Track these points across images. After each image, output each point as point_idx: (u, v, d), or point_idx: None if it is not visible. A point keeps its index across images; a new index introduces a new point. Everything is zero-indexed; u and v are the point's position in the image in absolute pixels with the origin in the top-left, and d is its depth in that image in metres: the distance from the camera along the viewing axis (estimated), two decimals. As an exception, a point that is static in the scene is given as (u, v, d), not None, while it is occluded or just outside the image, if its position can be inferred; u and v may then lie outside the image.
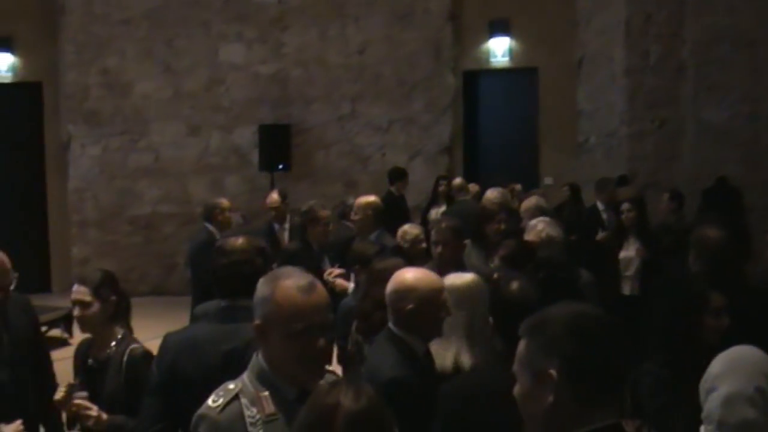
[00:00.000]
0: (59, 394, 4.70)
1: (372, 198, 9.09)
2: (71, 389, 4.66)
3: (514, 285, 4.21)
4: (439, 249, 7.09)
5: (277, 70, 16.22)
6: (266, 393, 3.08)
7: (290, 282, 3.12)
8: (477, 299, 4.85)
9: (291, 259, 7.88)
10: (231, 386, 3.11)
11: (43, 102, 16.33)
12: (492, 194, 9.71)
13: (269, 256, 4.51)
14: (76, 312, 4.90)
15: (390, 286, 4.56)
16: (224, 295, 4.24)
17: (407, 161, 15.79)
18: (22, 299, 5.59)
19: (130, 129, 16.11)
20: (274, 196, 10.79)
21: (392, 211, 10.68)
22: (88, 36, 15.94)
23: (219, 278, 4.29)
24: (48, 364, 5.63)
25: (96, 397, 4.70)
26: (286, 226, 10.55)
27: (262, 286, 3.19)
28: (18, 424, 4.48)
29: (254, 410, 3.06)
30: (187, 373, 3.96)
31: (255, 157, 15.84)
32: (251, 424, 3.05)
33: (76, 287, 4.91)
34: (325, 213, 8.88)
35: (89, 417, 4.55)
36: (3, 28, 15.89)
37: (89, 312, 4.84)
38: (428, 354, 4.62)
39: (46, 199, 16.45)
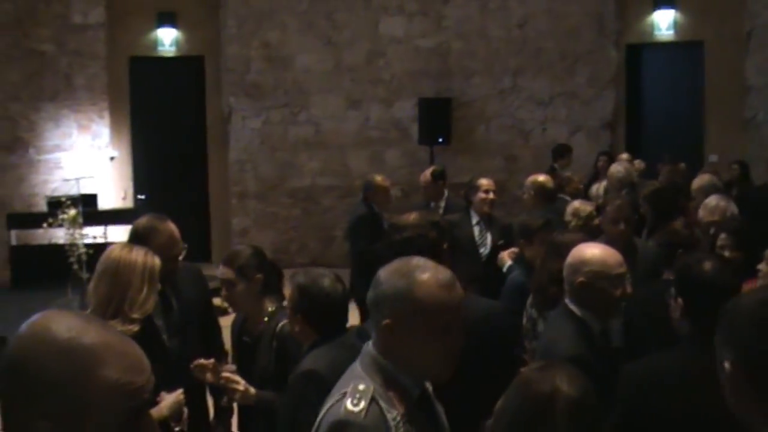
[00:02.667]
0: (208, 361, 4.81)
1: (541, 177, 9.21)
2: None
3: (707, 265, 3.97)
4: (621, 226, 6.84)
5: (438, 44, 16.17)
6: (393, 392, 2.90)
7: (429, 277, 2.91)
8: None
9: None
10: (362, 387, 2.85)
11: (205, 75, 16.43)
12: (615, 168, 9.64)
13: (445, 229, 4.52)
14: (223, 292, 4.98)
15: (568, 259, 4.52)
16: None
17: (568, 136, 15.71)
18: (193, 269, 5.69)
19: (291, 102, 16.13)
20: (427, 174, 10.72)
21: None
22: (249, 10, 15.97)
23: (396, 254, 4.15)
24: (217, 333, 5.69)
25: (249, 372, 4.77)
26: (442, 204, 10.28)
27: (392, 280, 2.94)
28: (179, 393, 4.48)
29: (394, 412, 2.86)
30: None
31: (415, 130, 15.81)
32: (393, 426, 2.85)
33: (221, 268, 4.99)
34: (484, 181, 8.86)
35: (236, 391, 4.60)
36: (167, 4, 16.01)
37: (235, 291, 4.92)
38: (605, 332, 4.52)
39: (207, 170, 16.56)
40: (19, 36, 15.12)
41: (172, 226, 5.14)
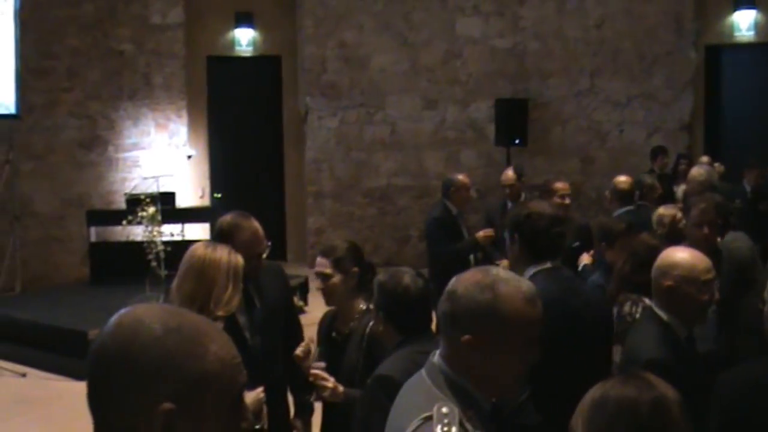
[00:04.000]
0: (299, 350, 4.81)
1: (622, 177, 9.16)
2: (308, 349, 4.80)
3: None
4: (705, 230, 6.66)
5: (515, 44, 16.17)
6: (472, 412, 2.72)
7: (512, 290, 2.75)
8: None
9: None
10: (445, 410, 2.64)
11: (281, 75, 16.53)
12: (697, 171, 9.56)
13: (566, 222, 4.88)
14: (318, 284, 4.95)
15: (656, 262, 4.46)
16: (551, 257, 4.55)
17: (646, 138, 15.67)
18: (275, 267, 5.64)
19: (367, 102, 16.17)
20: (509, 173, 10.64)
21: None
22: (326, 10, 16.03)
23: (547, 241, 4.53)
24: (298, 332, 5.64)
25: (336, 370, 4.72)
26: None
27: (473, 293, 2.76)
28: (259, 391, 4.47)
29: None
30: None
31: (491, 131, 15.80)
32: None
33: (318, 259, 4.96)
34: (559, 185, 8.80)
35: (325, 388, 4.56)
36: (244, 4, 16.12)
37: (330, 284, 4.87)
38: (691, 338, 4.44)
39: (283, 170, 16.64)
40: (99, 36, 15.25)
41: (256, 224, 5.13)
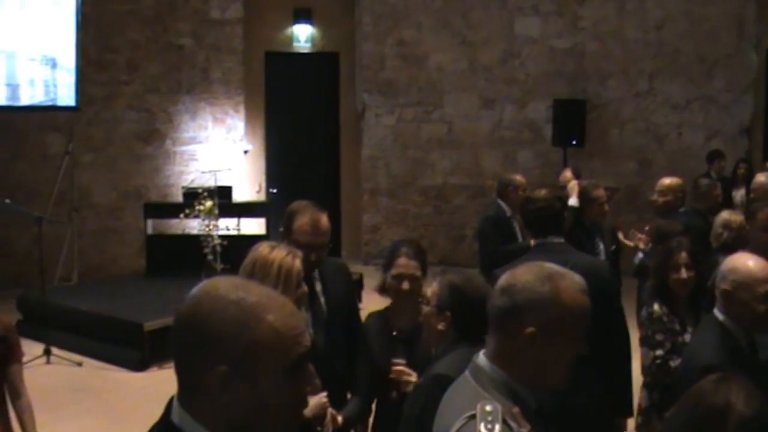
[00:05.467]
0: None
1: (675, 180, 9.02)
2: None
3: None
4: None
5: (574, 44, 16.08)
6: (517, 408, 2.70)
7: (569, 283, 2.78)
8: None
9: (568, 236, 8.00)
10: (489, 408, 2.63)
11: (339, 72, 16.56)
12: (764, 177, 9.41)
13: (565, 201, 5.93)
14: (405, 285, 4.87)
15: (721, 265, 4.44)
16: (536, 235, 5.66)
17: (704, 141, 15.53)
18: (339, 263, 5.58)
19: (424, 100, 16.16)
20: (567, 174, 10.57)
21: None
22: (384, 7, 16.04)
23: (529, 222, 5.75)
24: (360, 331, 5.51)
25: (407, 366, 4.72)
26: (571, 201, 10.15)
27: (533, 285, 2.77)
28: (322, 396, 4.41)
29: (523, 431, 2.67)
30: None
31: (548, 131, 15.74)
32: None
33: (408, 261, 4.91)
34: (600, 192, 8.69)
35: (409, 383, 4.54)
36: (303, 0, 16.15)
37: (419, 286, 4.87)
38: (753, 344, 4.38)
39: (339, 166, 16.69)
40: (159, 30, 15.37)
41: (319, 215, 5.01)
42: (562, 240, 5.58)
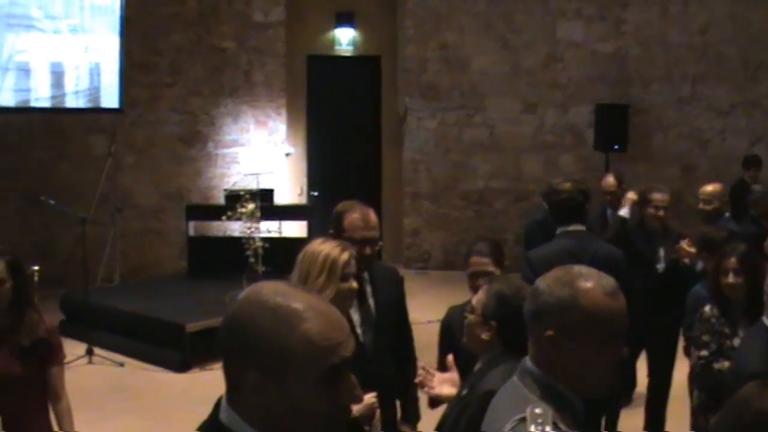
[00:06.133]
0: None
1: (718, 186, 9.00)
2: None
3: None
4: None
5: (617, 49, 16.00)
6: (565, 412, 2.71)
7: (593, 285, 2.75)
8: None
9: (626, 240, 8.13)
10: (539, 410, 2.54)
11: (381, 75, 16.58)
12: None
13: (589, 194, 6.44)
14: (480, 282, 4.75)
15: None
16: (560, 223, 6.29)
17: (748, 147, 15.38)
18: (389, 267, 5.69)
19: (466, 104, 16.13)
20: (610, 179, 10.39)
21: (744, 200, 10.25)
22: (426, 11, 16.04)
23: (554, 211, 6.46)
24: (409, 333, 5.57)
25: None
26: (624, 211, 9.89)
27: (554, 289, 2.79)
28: (371, 396, 4.33)
29: None
30: None
31: (590, 136, 15.65)
32: None
33: (481, 258, 4.97)
34: (655, 197, 8.58)
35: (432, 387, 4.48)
36: (345, 3, 16.22)
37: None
38: None
39: (381, 169, 16.69)
40: (202, 33, 15.46)
41: (367, 209, 5.16)
42: (583, 228, 6.31)
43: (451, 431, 3.86)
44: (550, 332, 2.74)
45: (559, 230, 6.31)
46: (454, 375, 4.45)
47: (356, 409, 4.25)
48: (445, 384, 4.47)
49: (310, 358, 1.96)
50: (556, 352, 2.75)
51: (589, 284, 2.75)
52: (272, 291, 2.04)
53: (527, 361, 2.87)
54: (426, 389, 4.49)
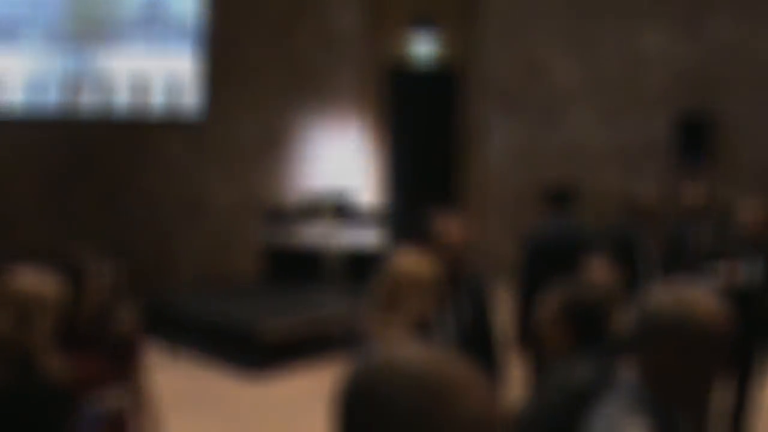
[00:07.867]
0: None
1: None
2: None
3: None
4: None
5: (700, 59, 15.74)
6: (664, 428, 2.70)
7: (702, 304, 2.73)
8: None
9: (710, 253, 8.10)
10: (637, 430, 2.67)
11: (461, 85, 16.49)
12: None
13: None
14: None
15: None
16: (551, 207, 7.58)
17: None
18: (476, 278, 5.54)
19: (547, 114, 15.99)
20: (695, 192, 10.22)
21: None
22: (507, 21, 15.96)
23: (545, 198, 7.95)
24: (495, 351, 5.45)
25: None
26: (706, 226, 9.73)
27: (667, 308, 2.77)
28: None
29: None
30: None
31: (671, 147, 15.41)
32: None
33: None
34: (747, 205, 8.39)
35: None
36: (425, 13, 16.20)
37: None
38: None
39: (461, 179, 16.61)
40: (281, 41, 15.51)
41: (455, 223, 5.13)
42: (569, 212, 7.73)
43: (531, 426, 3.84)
44: (664, 353, 2.75)
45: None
46: None
47: None
48: None
49: None
50: (662, 370, 2.76)
51: (698, 303, 2.76)
52: (419, 358, 1.76)
53: (629, 375, 2.88)
54: None
